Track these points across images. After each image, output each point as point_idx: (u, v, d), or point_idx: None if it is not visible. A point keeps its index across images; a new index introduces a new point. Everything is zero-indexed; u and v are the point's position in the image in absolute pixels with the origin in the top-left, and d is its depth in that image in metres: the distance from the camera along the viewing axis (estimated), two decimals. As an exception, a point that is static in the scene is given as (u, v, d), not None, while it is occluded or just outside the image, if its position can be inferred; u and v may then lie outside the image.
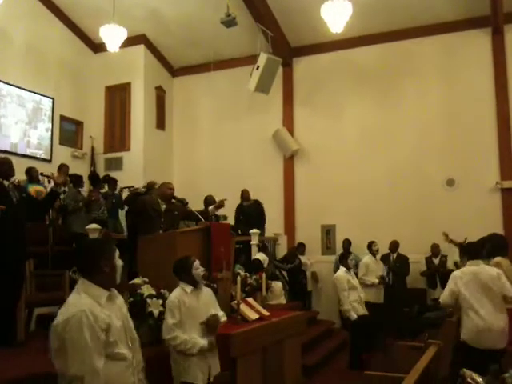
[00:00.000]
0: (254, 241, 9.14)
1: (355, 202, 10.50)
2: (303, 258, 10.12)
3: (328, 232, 10.89)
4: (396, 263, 9.50)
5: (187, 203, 6.15)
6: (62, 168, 8.10)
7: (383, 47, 10.65)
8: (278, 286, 8.23)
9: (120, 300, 2.67)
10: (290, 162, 11.33)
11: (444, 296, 4.97)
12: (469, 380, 3.56)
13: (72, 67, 11.13)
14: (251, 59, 10.46)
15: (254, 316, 5.56)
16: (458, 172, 9.88)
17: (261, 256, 8.49)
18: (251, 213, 9.81)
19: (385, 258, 9.51)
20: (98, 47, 11.43)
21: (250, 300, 5.88)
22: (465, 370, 3.63)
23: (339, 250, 10.26)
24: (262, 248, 9.07)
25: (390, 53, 10.63)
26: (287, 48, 11.31)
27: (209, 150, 11.94)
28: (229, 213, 9.70)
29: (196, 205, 8.59)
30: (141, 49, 11.52)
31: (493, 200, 9.64)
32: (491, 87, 9.83)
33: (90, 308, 2.39)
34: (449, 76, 10.19)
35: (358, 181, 10.54)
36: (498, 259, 5.42)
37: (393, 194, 10.23)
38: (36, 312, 6.07)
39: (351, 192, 10.57)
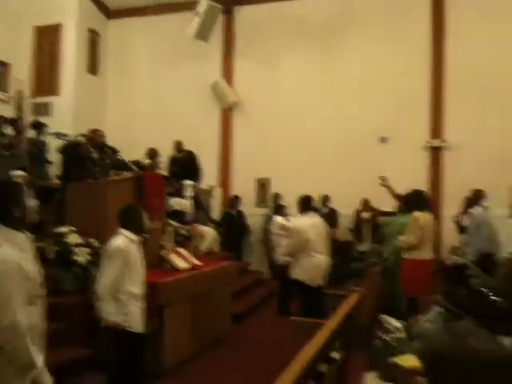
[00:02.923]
0: (188, 192, 9.09)
1: (291, 157, 10.61)
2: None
3: (263, 185, 11.01)
4: (327, 216, 9.77)
5: (118, 152, 6.01)
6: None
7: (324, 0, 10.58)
8: (210, 233, 8.28)
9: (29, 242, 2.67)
10: (227, 113, 11.23)
11: None
12: (385, 325, 3.81)
13: (-2, 4, 10.35)
14: (191, 5, 10.14)
15: (183, 265, 5.63)
16: (391, 129, 10.11)
17: (177, 203, 8.21)
18: (184, 164, 9.69)
19: (316, 212, 9.74)
20: (25, -16, 10.65)
21: (181, 250, 5.93)
22: (381, 315, 3.87)
23: (272, 203, 10.42)
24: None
25: (332, 5, 10.54)
26: (229, -5, 11.00)
27: (145, 97, 11.59)
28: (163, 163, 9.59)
29: (130, 154, 8.44)
30: (73, -13, 10.85)
31: (422, 158, 10.03)
32: (427, 46, 9.99)
33: (15, 259, 2.42)
34: (388, 32, 10.22)
35: (294, 135, 10.61)
36: (416, 214, 5.76)
37: (327, 149, 10.39)
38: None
39: (288, 146, 10.64)
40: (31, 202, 2.67)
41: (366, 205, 9.86)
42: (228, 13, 11.05)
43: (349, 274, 8.24)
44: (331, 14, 10.59)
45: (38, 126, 8.72)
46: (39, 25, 10.98)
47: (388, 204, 8.36)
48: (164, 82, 11.41)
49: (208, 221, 10.02)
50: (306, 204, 6.21)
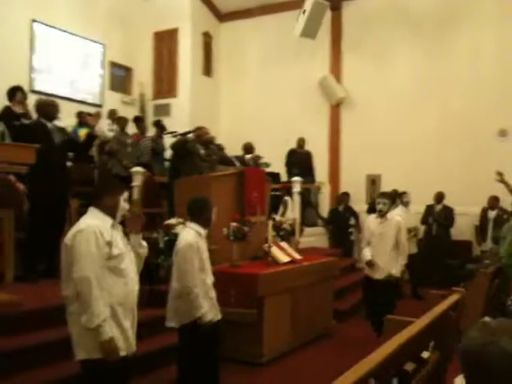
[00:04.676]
0: (296, 188, 9.17)
1: (402, 152, 10.26)
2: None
3: (373, 182, 10.76)
4: (440, 214, 9.32)
5: (223, 148, 6.25)
6: (97, 112, 8.28)
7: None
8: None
9: (121, 232, 3.00)
10: (336, 109, 11.14)
11: None
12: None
13: (122, 13, 11.19)
14: (299, 3, 10.18)
15: (284, 259, 5.70)
16: (511, 122, 9.41)
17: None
18: (302, 161, 9.82)
19: (429, 209, 9.35)
20: (146, -8, 11.44)
21: (283, 244, 6.01)
22: (483, 318, 3.62)
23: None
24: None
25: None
26: (338, -10, 10.90)
27: (255, 96, 11.88)
28: (273, 160, 9.77)
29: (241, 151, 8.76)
30: (188, -7, 11.44)
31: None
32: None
33: (96, 224, 2.79)
34: (505, 23, 9.55)
35: (406, 130, 10.25)
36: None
37: (442, 144, 9.91)
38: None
39: (399, 141, 10.31)
40: (124, 204, 2.99)
41: (493, 202, 9.19)
42: (336, 9, 10.94)
43: (463, 275, 7.77)
44: (442, 5, 10.05)
45: (159, 125, 9.28)
46: (158, 30, 11.72)
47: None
48: (273, 81, 11.60)
49: (316, 218, 10.05)
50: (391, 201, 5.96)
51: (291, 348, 5.50)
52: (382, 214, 5.67)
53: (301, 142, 9.92)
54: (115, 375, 2.75)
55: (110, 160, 7.68)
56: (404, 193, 8.83)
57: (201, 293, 3.81)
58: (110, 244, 2.78)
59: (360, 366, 2.50)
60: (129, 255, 2.94)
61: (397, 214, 8.51)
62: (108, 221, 2.88)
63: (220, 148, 6.17)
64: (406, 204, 8.73)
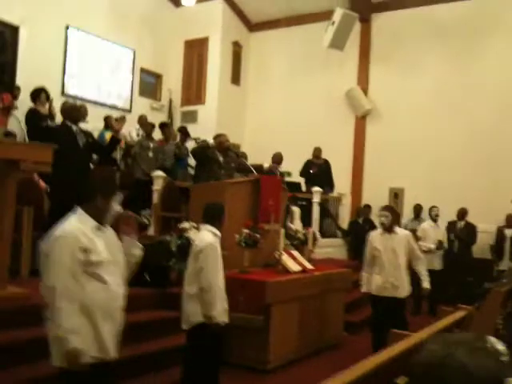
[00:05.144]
0: (316, 199, 9.21)
1: (427, 166, 10.19)
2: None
3: (396, 195, 10.69)
4: (462, 231, 9.20)
5: (242, 156, 6.35)
6: (122, 117, 8.47)
7: (465, 4, 10.00)
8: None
9: (111, 235, 2.88)
10: (361, 121, 11.14)
11: None
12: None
13: (153, 20, 11.48)
14: (328, 14, 10.25)
15: (295, 268, 5.74)
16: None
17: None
18: (319, 172, 9.85)
19: (451, 225, 9.24)
20: (178, 1, 11.68)
21: (295, 252, 6.05)
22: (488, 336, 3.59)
23: (406, 214, 10.09)
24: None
25: (472, 10, 9.96)
26: (367, 3, 10.93)
27: (281, 106, 11.97)
28: (295, 170, 9.85)
29: (266, 159, 8.86)
30: (219, 3, 11.66)
31: None
32: None
33: (73, 230, 2.67)
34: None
35: (430, 144, 10.18)
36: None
37: (467, 158, 9.80)
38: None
39: (423, 155, 10.24)
40: (116, 206, 2.88)
41: (510, 220, 9.07)
42: (365, 21, 10.97)
43: (480, 293, 7.64)
44: (471, 17, 9.97)
45: (183, 131, 9.46)
46: (188, 38, 11.96)
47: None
48: (299, 91, 11.67)
49: (335, 229, 10.05)
50: (396, 216, 5.72)
51: (298, 356, 5.53)
52: (386, 228, 5.46)
53: (316, 152, 9.90)
54: (88, 382, 2.66)
55: (133, 164, 7.88)
56: (434, 207, 8.78)
57: (218, 293, 3.93)
58: (87, 251, 2.67)
59: (342, 376, 2.53)
60: (114, 261, 2.82)
61: (423, 229, 8.54)
62: (91, 224, 2.75)
63: (239, 156, 6.26)
64: (435, 218, 8.68)
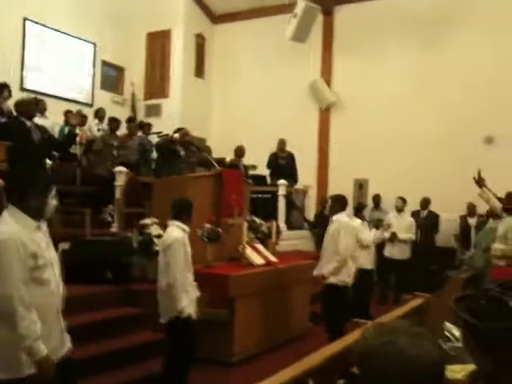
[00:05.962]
0: (282, 191, 9.22)
1: (390, 157, 10.29)
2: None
3: (360, 186, 10.81)
4: (425, 220, 9.36)
5: (203, 150, 6.31)
6: (79, 111, 8.34)
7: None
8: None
9: (46, 232, 2.78)
10: (326, 113, 11.20)
11: None
12: (446, 333, 3.62)
13: (115, 13, 11.21)
14: (292, 6, 10.21)
15: (259, 261, 5.75)
16: (499, 130, 9.43)
17: None
18: (284, 164, 9.85)
19: (414, 215, 9.39)
20: (140, -8, 11.48)
21: (258, 246, 6.06)
22: (446, 323, 3.68)
23: (371, 204, 10.20)
24: None
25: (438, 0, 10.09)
26: (330, -5, 10.96)
27: (246, 98, 11.91)
28: (261, 163, 9.84)
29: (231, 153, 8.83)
30: (182, -6, 11.52)
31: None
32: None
33: (19, 235, 2.53)
34: (500, 28, 9.58)
35: (393, 136, 10.28)
36: None
37: (429, 149, 9.93)
38: (60, 248, 6.48)
39: (387, 146, 10.34)
40: (52, 201, 2.78)
41: (471, 210, 9.26)
42: (328, 13, 11.01)
43: (443, 281, 7.82)
44: (435, 7, 10.09)
45: (144, 127, 9.34)
46: (151, 31, 11.78)
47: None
48: (265, 83, 11.63)
49: (302, 221, 10.10)
50: (339, 204, 5.57)
51: (264, 349, 5.55)
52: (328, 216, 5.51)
53: (281, 145, 9.89)
54: None
55: (96, 160, 7.74)
56: (399, 197, 8.89)
57: (182, 287, 4.01)
58: (34, 255, 2.56)
59: (297, 365, 2.55)
60: (53, 259, 2.75)
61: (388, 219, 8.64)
62: (31, 224, 2.62)
63: (200, 150, 6.21)
64: (399, 209, 8.79)
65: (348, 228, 5.42)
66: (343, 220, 5.45)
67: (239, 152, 8.75)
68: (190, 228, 4.28)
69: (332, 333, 5.06)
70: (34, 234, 2.63)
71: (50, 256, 2.73)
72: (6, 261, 2.47)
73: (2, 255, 2.47)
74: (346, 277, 5.36)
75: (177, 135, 7.40)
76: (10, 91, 7.16)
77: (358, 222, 7.22)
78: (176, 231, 4.13)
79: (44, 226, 2.75)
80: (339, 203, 5.54)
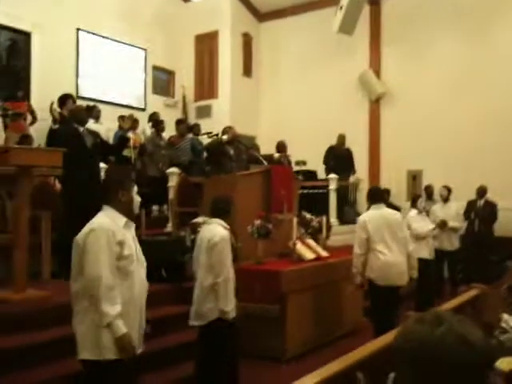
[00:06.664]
0: (332, 186, 9.18)
1: (444, 147, 10.03)
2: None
3: (414, 178, 10.58)
4: (483, 209, 9.06)
5: (251, 147, 6.38)
6: (130, 115, 8.56)
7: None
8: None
9: (133, 231, 2.99)
10: (375, 105, 11.04)
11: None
12: (503, 324, 3.53)
13: (163, 18, 11.54)
14: (337, -1, 10.15)
15: (310, 256, 5.77)
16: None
17: None
18: (341, 159, 9.80)
19: (471, 204, 9.11)
20: (187, -4, 11.72)
21: (309, 241, 6.07)
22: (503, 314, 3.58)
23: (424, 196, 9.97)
24: None
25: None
26: (376, -15, 10.79)
27: (294, 94, 11.92)
28: (313, 159, 9.83)
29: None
30: (227, -5, 11.65)
31: None
32: None
33: (108, 224, 2.79)
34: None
35: (446, 125, 10.02)
36: None
37: (483, 138, 9.61)
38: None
39: (440, 136, 10.09)
40: (136, 197, 3.02)
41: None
42: (375, 3, 10.82)
43: (501, 272, 7.56)
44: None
45: (192, 128, 9.52)
46: (198, 33, 11.99)
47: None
48: (312, 79, 11.60)
49: (354, 215, 9.99)
50: (373, 196, 5.39)
51: (316, 344, 5.54)
52: None
53: (341, 139, 9.86)
54: (115, 376, 2.73)
55: (148, 162, 7.98)
56: (444, 186, 8.65)
57: (230, 287, 3.99)
58: (121, 244, 2.77)
59: (344, 358, 2.54)
60: (138, 256, 2.93)
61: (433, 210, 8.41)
62: (121, 220, 2.87)
63: (248, 148, 6.29)
64: (445, 198, 8.56)
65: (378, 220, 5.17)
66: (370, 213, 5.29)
67: (280, 147, 8.77)
68: (233, 225, 4.26)
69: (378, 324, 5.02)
70: (123, 228, 2.87)
71: (137, 251, 2.92)
72: (97, 246, 2.71)
73: (93, 241, 2.72)
74: None
75: (225, 137, 7.51)
76: (74, 101, 7.52)
77: (414, 212, 7.15)
78: (220, 229, 4.07)
79: (132, 225, 2.98)
80: (371, 195, 5.40)
